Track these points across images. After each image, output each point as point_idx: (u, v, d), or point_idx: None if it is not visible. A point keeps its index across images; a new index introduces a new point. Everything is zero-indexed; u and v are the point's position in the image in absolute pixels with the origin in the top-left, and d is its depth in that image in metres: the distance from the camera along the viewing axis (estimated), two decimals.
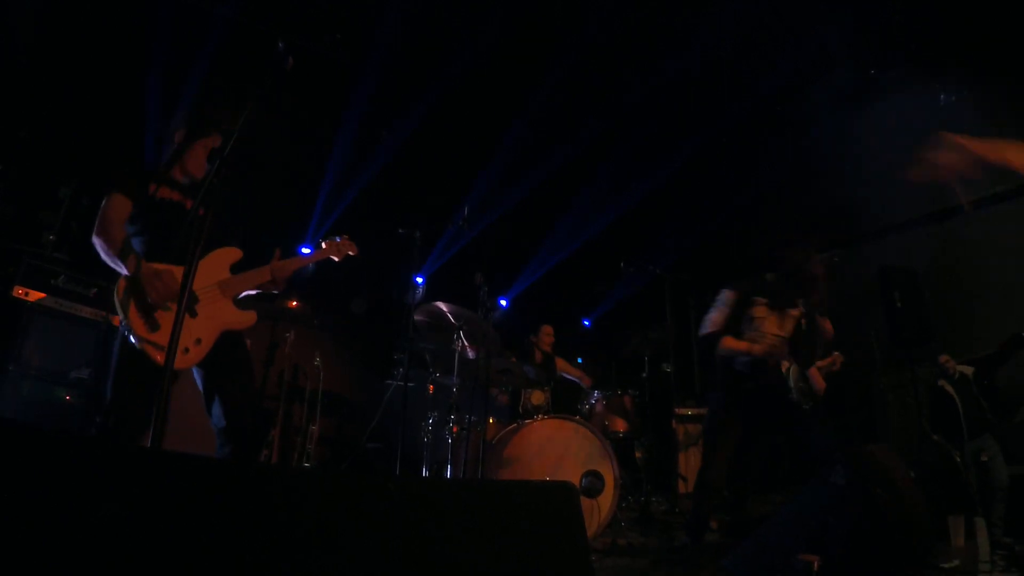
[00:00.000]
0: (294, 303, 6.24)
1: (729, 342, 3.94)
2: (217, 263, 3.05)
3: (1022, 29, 5.90)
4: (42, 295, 4.21)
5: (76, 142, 5.32)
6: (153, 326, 2.71)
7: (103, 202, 2.89)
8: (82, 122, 5.46)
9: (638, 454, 6.31)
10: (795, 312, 4.08)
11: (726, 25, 6.37)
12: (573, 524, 2.11)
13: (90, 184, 4.79)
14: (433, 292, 6.84)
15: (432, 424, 5.67)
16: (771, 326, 3.98)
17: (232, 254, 3.15)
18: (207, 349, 2.86)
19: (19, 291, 4.09)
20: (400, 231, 5.28)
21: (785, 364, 4.64)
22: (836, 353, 5.10)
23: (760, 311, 3.99)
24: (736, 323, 4.00)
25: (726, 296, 4.08)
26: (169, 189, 3.02)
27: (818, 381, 4.79)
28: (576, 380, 6.74)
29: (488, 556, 1.87)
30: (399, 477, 4.46)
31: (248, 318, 3.06)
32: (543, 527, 2.03)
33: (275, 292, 3.36)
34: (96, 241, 2.83)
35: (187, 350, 2.75)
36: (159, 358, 2.65)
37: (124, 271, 2.77)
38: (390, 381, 6.93)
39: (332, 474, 3.31)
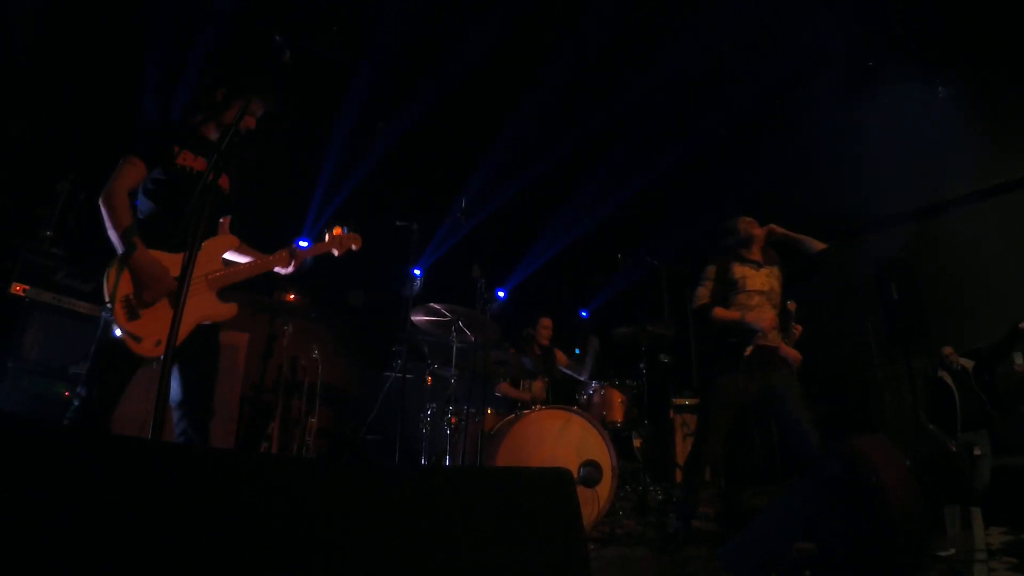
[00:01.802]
0: (292, 296, 6.26)
1: (719, 312, 4.18)
2: (210, 253, 3.01)
3: (1019, 22, 5.89)
4: (40, 291, 4.20)
5: (72, 136, 5.28)
6: (133, 315, 2.69)
7: (120, 162, 2.84)
8: (78, 116, 5.42)
9: (637, 443, 6.32)
10: (774, 268, 4.36)
11: (725, 20, 6.36)
12: (568, 510, 2.12)
13: (87, 178, 4.77)
14: (431, 285, 6.84)
15: (430, 416, 5.69)
16: (755, 283, 4.24)
17: (227, 243, 3.13)
18: (177, 342, 2.84)
19: (17, 287, 4.09)
20: (398, 223, 5.27)
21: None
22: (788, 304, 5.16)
23: (740, 271, 4.26)
24: (724, 291, 4.25)
25: (708, 270, 4.36)
26: (193, 155, 2.96)
27: (791, 353, 4.83)
28: (573, 374, 6.75)
29: (483, 542, 1.88)
30: (394, 464, 4.49)
31: (228, 310, 3.01)
32: (538, 513, 2.04)
33: (282, 274, 3.34)
34: (102, 207, 2.78)
35: (159, 342, 2.71)
36: (134, 347, 2.67)
37: (120, 248, 2.74)
38: (388, 373, 6.93)
39: (328, 463, 3.32)
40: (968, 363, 5.52)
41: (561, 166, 8.43)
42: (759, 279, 4.24)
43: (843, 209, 7.38)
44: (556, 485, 2.17)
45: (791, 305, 5.05)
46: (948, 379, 5.60)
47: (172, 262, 2.79)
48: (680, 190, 8.91)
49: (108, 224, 2.77)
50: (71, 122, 5.38)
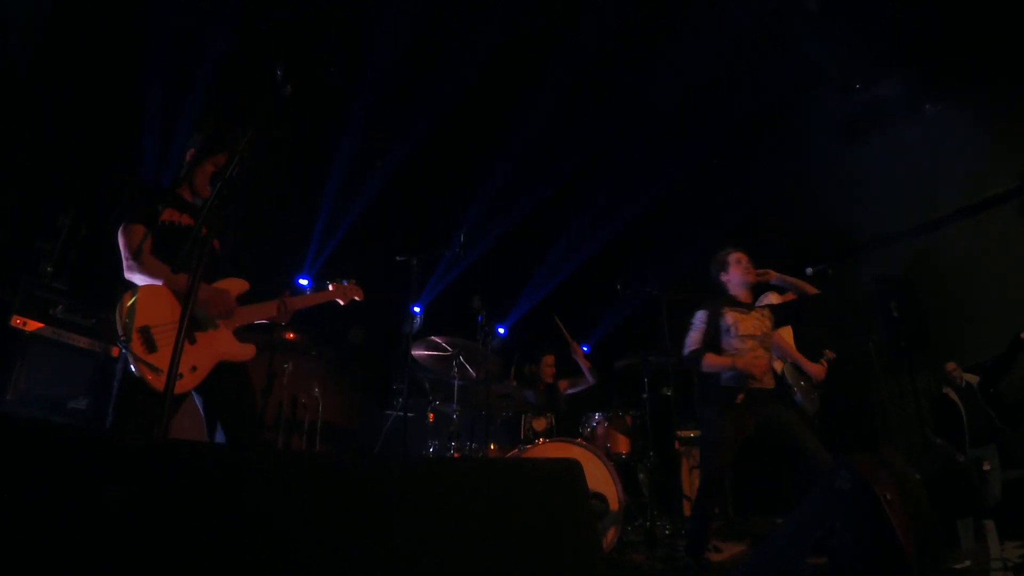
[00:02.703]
0: (292, 334, 6.23)
1: (711, 358, 4.13)
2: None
3: (1012, 38, 6.02)
4: (40, 325, 4.19)
5: (74, 171, 5.32)
6: (151, 347, 2.65)
7: (120, 236, 2.86)
8: (80, 149, 5.47)
9: (642, 477, 6.23)
10: (765, 310, 4.36)
11: (719, 45, 6.48)
12: (577, 499, 2.10)
13: (89, 213, 4.80)
14: (431, 321, 6.83)
15: (433, 453, 5.62)
16: (746, 327, 4.19)
17: (238, 285, 3.14)
18: (202, 377, 2.83)
19: (17, 321, 4.09)
20: (397, 259, 5.30)
21: (779, 364, 4.74)
22: (827, 351, 5.15)
23: (731, 317, 4.21)
24: (715, 336, 4.21)
25: (699, 316, 4.31)
26: (178, 212, 3.02)
27: (812, 368, 4.80)
28: (580, 388, 6.69)
29: (490, 530, 1.85)
30: (401, 459, 4.40)
31: (247, 351, 3.04)
32: (546, 502, 2.02)
33: (281, 324, 3.37)
34: (135, 278, 2.81)
35: (181, 376, 2.67)
36: (153, 381, 2.60)
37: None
38: (390, 411, 6.87)
39: (335, 457, 3.27)
40: (973, 378, 5.51)
41: (557, 198, 8.53)
42: (750, 322, 4.22)
43: (841, 227, 7.44)
44: (564, 475, 2.15)
45: (829, 355, 5.06)
46: (953, 395, 5.58)
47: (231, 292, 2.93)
48: (677, 215, 8.97)
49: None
50: (73, 157, 5.42)
